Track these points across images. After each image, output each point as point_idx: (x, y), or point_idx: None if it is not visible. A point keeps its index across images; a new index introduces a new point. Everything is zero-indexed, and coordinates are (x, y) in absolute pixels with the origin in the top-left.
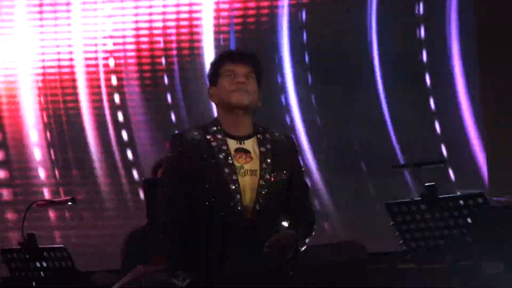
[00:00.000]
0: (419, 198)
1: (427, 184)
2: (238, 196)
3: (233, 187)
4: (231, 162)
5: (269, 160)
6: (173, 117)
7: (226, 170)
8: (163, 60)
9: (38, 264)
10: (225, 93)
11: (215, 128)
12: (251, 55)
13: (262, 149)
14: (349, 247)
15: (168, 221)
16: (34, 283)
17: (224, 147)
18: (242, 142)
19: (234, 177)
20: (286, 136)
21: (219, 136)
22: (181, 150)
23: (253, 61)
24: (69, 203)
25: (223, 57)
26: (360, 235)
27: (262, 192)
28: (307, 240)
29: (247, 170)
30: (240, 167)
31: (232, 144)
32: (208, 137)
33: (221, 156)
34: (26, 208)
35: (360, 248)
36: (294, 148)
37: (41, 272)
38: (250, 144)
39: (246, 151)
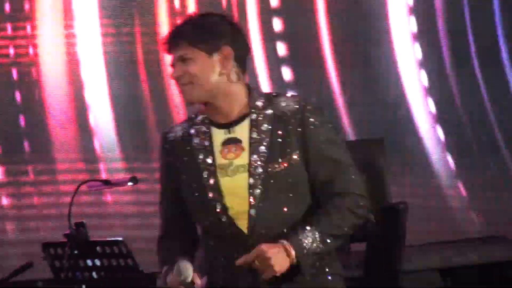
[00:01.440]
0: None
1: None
2: (219, 206)
3: (211, 195)
4: (210, 161)
5: (262, 148)
6: None
7: (205, 174)
8: None
9: (89, 262)
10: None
11: (200, 118)
12: (179, 28)
13: (254, 134)
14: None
15: (158, 237)
16: (84, 287)
17: (206, 143)
18: (231, 129)
19: (212, 182)
20: (297, 101)
21: (203, 129)
22: (164, 154)
23: (183, 36)
24: (130, 183)
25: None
26: None
27: (255, 192)
28: (335, 241)
29: (239, 167)
30: (228, 165)
31: (219, 135)
32: (191, 131)
33: (200, 156)
34: (74, 190)
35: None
36: (310, 114)
37: (94, 272)
38: (241, 130)
39: (237, 141)
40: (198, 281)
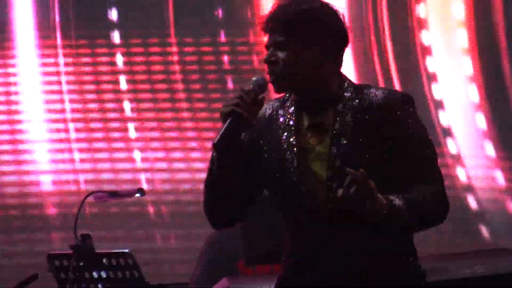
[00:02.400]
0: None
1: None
2: (302, 189)
3: (294, 178)
4: (294, 142)
5: (343, 140)
6: None
7: (288, 155)
8: None
9: (95, 274)
10: None
11: (289, 99)
12: (280, 11)
13: (337, 124)
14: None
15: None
16: None
17: (291, 122)
18: (318, 115)
19: (295, 164)
20: (386, 93)
21: (291, 109)
22: (253, 128)
23: (282, 21)
24: (137, 195)
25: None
26: None
27: (333, 186)
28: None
29: (320, 154)
30: (310, 150)
31: (305, 119)
32: (280, 111)
33: (285, 134)
34: (80, 201)
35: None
36: (397, 107)
37: (100, 285)
38: (326, 118)
39: (321, 128)
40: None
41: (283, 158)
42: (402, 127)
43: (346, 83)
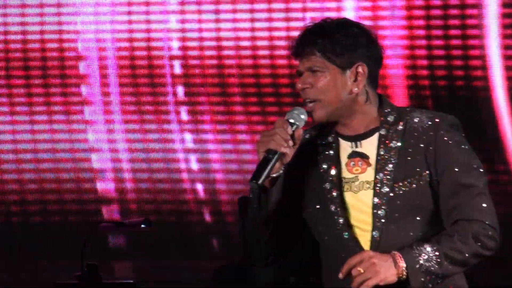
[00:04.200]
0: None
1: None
2: (341, 221)
3: (333, 208)
4: (334, 173)
5: (389, 166)
6: None
7: (327, 185)
8: None
9: None
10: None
11: (328, 126)
12: (313, 35)
13: (382, 151)
14: None
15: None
16: None
17: (332, 153)
18: (358, 143)
19: (334, 194)
20: (431, 117)
21: (329, 138)
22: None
23: (317, 46)
24: (143, 225)
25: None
26: None
27: (379, 213)
28: (453, 266)
29: (363, 183)
30: (353, 179)
31: (346, 148)
32: (318, 139)
33: (324, 166)
34: (87, 231)
35: None
36: (444, 132)
37: None
38: (369, 145)
39: (363, 156)
40: (299, 132)
41: (322, 187)
42: (447, 153)
43: (386, 106)
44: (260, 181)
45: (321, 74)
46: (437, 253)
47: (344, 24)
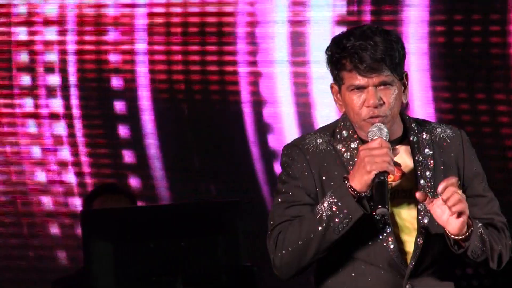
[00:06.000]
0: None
1: None
2: (388, 230)
3: (378, 217)
4: None
5: (428, 173)
6: None
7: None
8: None
9: None
10: (355, 115)
11: (346, 133)
12: (377, 49)
13: (418, 157)
14: None
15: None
16: None
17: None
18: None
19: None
20: (453, 130)
21: (353, 145)
22: (305, 164)
23: (385, 59)
24: None
25: (343, 58)
26: None
27: (424, 220)
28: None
29: (398, 191)
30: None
31: None
32: (338, 146)
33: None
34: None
35: None
36: (467, 145)
37: None
38: (399, 153)
39: (395, 164)
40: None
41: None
42: (470, 165)
43: (404, 115)
44: (388, 205)
45: (391, 88)
46: (484, 231)
47: (390, 32)
